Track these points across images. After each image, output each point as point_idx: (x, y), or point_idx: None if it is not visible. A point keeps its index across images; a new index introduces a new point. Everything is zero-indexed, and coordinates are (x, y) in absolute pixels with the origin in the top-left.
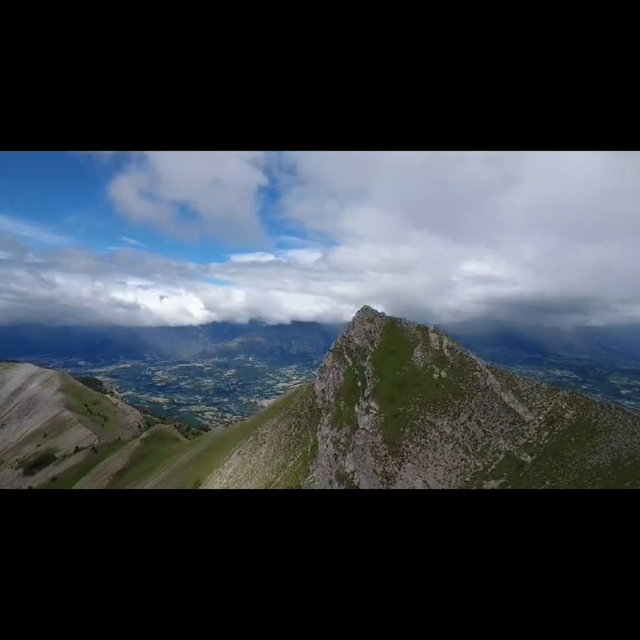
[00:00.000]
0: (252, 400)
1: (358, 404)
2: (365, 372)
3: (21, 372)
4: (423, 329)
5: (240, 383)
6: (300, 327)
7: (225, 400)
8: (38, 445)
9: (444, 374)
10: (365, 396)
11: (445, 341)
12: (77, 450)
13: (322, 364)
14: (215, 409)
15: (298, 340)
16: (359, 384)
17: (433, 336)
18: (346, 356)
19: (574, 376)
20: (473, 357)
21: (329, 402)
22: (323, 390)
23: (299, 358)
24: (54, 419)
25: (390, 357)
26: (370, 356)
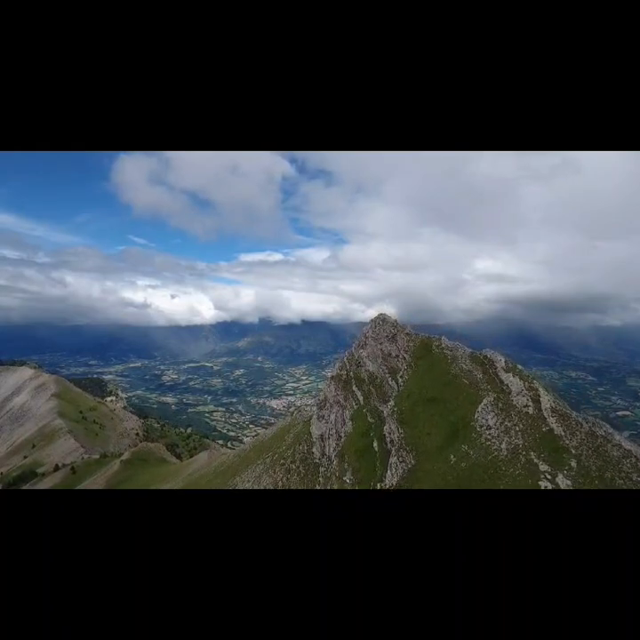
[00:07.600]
0: (261, 401)
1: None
2: (386, 430)
3: (16, 376)
4: (484, 359)
5: (249, 383)
6: (309, 326)
7: (234, 400)
8: (25, 457)
9: (565, 483)
10: (388, 482)
11: (544, 395)
12: (57, 468)
13: (319, 395)
14: (223, 409)
15: (307, 340)
16: (375, 445)
17: (511, 379)
18: (354, 388)
19: (590, 378)
20: (614, 437)
21: (329, 457)
22: (322, 436)
23: (308, 358)
24: (45, 428)
25: (430, 412)
26: (394, 402)
